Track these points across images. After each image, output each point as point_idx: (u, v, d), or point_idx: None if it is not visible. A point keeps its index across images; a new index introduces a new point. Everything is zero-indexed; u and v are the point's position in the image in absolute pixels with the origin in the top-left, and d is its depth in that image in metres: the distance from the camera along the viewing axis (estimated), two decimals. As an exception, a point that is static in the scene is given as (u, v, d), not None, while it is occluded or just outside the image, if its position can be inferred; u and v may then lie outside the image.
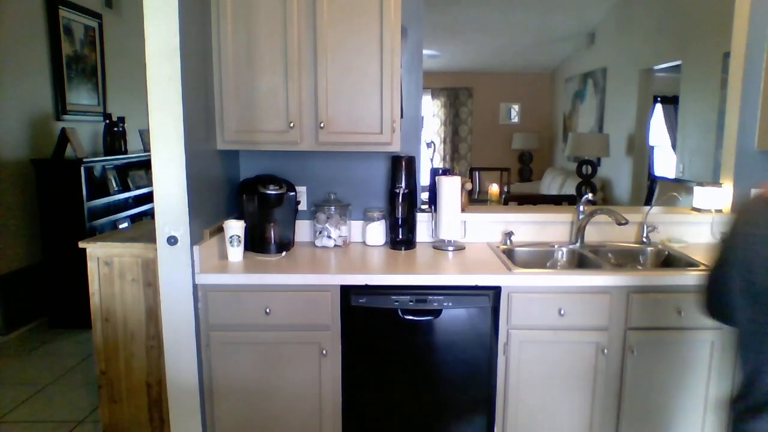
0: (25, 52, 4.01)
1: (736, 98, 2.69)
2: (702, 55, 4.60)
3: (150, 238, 2.33)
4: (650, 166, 6.33)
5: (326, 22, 2.23)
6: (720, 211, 2.71)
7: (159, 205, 2.02)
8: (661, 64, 5.31)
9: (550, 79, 8.95)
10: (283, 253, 2.41)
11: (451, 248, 2.50)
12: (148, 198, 4.84)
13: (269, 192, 2.38)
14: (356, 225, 2.66)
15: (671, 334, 2.15)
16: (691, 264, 2.28)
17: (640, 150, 5.78)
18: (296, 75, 2.26)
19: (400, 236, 2.54)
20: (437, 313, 2.13)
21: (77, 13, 4.52)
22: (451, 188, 2.46)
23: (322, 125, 2.30)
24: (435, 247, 2.55)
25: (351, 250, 2.51)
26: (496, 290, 2.12)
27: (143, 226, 2.78)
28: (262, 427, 2.20)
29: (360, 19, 2.24)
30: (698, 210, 2.73)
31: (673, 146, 6.17)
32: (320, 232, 2.53)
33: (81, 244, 2.35)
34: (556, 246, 2.58)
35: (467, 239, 2.66)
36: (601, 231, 2.66)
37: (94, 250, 2.34)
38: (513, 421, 2.20)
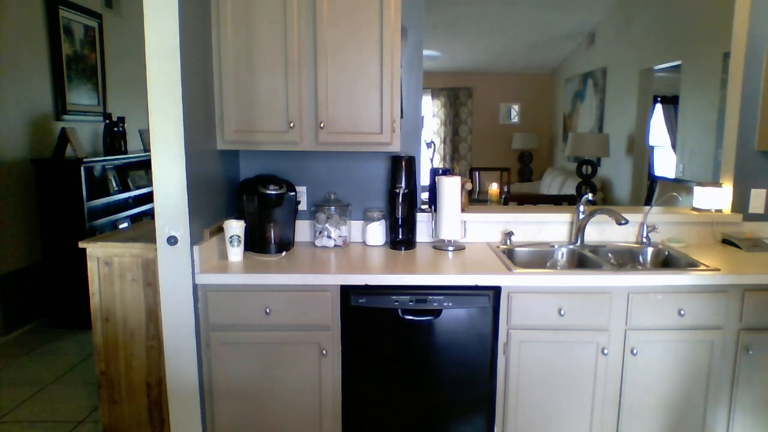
0: (25, 52, 4.01)
1: (736, 98, 2.69)
2: (702, 55, 4.60)
3: (150, 238, 2.33)
4: (650, 166, 6.33)
5: (326, 22, 2.23)
6: (720, 211, 2.71)
7: (159, 205, 2.02)
8: (661, 64, 5.31)
9: (550, 79, 8.95)
10: (283, 253, 2.42)
11: (451, 248, 2.50)
12: (148, 198, 4.84)
13: (269, 192, 2.38)
14: (356, 225, 2.66)
15: (671, 334, 2.15)
16: (691, 264, 2.28)
17: (640, 150, 5.78)
18: (296, 75, 2.26)
19: (400, 236, 2.54)
20: (437, 313, 2.13)
21: (77, 13, 4.52)
22: (451, 188, 2.46)
23: (322, 125, 2.30)
24: (435, 247, 2.55)
25: (351, 250, 2.51)
26: (496, 290, 2.12)
27: (143, 226, 2.78)
28: (262, 427, 2.20)
29: (360, 19, 2.24)
30: (698, 210, 2.73)
31: (673, 146, 6.17)
32: (320, 232, 2.53)
33: (81, 244, 2.35)
34: (556, 246, 2.58)
35: (467, 239, 2.66)
36: (601, 231, 2.67)
37: (94, 250, 2.34)
38: (513, 421, 2.20)
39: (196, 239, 2.10)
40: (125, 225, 4.53)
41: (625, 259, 2.57)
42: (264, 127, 2.30)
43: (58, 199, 3.98)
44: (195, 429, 2.16)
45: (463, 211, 2.59)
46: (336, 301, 2.12)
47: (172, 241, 2.03)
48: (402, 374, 2.18)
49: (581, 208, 2.57)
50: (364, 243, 2.62)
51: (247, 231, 2.36)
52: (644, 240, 2.60)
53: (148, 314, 2.36)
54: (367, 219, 2.60)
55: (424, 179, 2.88)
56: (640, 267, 2.55)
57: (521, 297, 2.12)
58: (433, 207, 2.58)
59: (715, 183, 2.74)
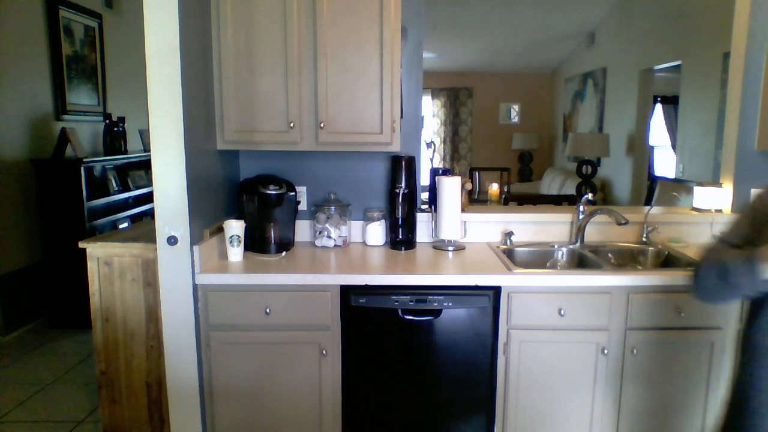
0: (25, 52, 4.01)
1: (736, 98, 2.69)
2: (702, 55, 4.60)
3: (150, 238, 2.33)
4: (650, 166, 6.33)
5: (326, 22, 2.23)
6: (720, 211, 2.71)
7: (159, 205, 2.02)
8: (661, 64, 5.31)
9: (550, 79, 8.95)
10: (283, 253, 2.41)
11: (451, 248, 2.50)
12: (148, 198, 4.84)
13: (269, 192, 2.38)
14: (356, 225, 2.66)
15: (671, 334, 2.15)
16: (691, 264, 2.28)
17: (640, 150, 5.78)
18: (296, 75, 2.26)
19: (400, 236, 2.54)
20: (437, 313, 2.13)
21: (77, 13, 4.52)
22: (451, 188, 2.46)
23: (322, 125, 2.30)
24: (435, 247, 2.55)
25: (351, 250, 2.51)
26: (496, 290, 2.12)
27: (143, 226, 2.78)
28: (262, 427, 2.20)
29: (360, 19, 2.24)
30: (698, 210, 2.73)
31: (673, 146, 6.17)
32: (320, 232, 2.53)
33: (81, 244, 2.35)
34: (556, 246, 2.58)
35: (467, 239, 2.66)
36: (601, 231, 2.66)
37: (94, 250, 2.34)
38: (513, 421, 2.20)
39: (196, 239, 2.10)
40: (125, 225, 4.53)
41: (625, 259, 2.57)
42: (264, 127, 2.30)
43: (58, 199, 3.98)
44: (195, 429, 2.16)
45: (463, 211, 2.59)
46: (336, 301, 2.12)
47: (172, 241, 2.03)
48: (402, 374, 2.18)
49: (581, 208, 2.57)
50: (364, 243, 2.62)
51: (247, 231, 2.36)
52: (644, 240, 2.60)
53: (148, 314, 2.36)
54: (367, 219, 2.60)
55: (424, 179, 2.88)
56: (640, 267, 2.55)
57: (521, 297, 2.12)
58: (433, 207, 2.58)
59: (715, 183, 2.74)
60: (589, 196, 2.61)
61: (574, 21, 6.68)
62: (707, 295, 1.44)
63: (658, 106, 6.74)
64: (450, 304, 2.12)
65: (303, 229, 2.67)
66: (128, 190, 4.70)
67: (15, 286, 3.92)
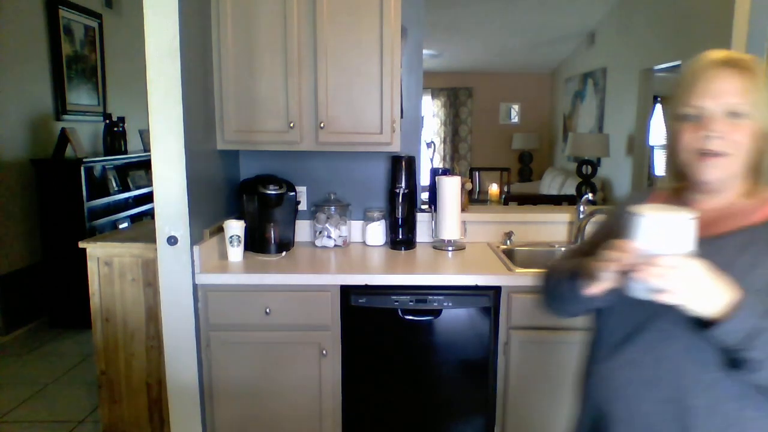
0: (25, 52, 4.01)
1: (736, 98, 2.68)
2: (702, 55, 4.59)
3: (150, 238, 2.33)
4: (650, 166, 6.33)
5: (326, 22, 2.23)
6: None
7: (159, 205, 2.02)
8: (661, 64, 5.31)
9: (550, 79, 8.95)
10: (283, 253, 2.41)
11: (451, 248, 2.50)
12: (148, 198, 4.83)
13: (269, 192, 2.38)
14: (356, 225, 2.66)
15: (671, 334, 2.14)
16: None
17: (640, 150, 5.78)
18: (296, 75, 2.26)
19: (400, 236, 2.54)
20: (437, 313, 2.13)
21: (77, 13, 4.52)
22: (451, 188, 2.46)
23: (322, 125, 2.30)
24: (435, 247, 2.55)
25: (351, 250, 2.51)
26: (496, 290, 2.12)
27: (143, 226, 2.78)
28: (262, 427, 2.20)
29: (360, 19, 2.24)
30: (698, 210, 2.72)
31: (673, 146, 6.16)
32: (320, 232, 2.53)
33: (81, 244, 2.35)
34: (556, 246, 2.58)
35: (467, 239, 2.66)
36: (601, 231, 2.66)
37: (94, 250, 2.34)
38: (513, 421, 2.20)
39: (196, 239, 2.10)
40: (125, 225, 4.53)
41: (625, 259, 2.57)
42: (264, 127, 2.30)
43: (58, 199, 3.98)
44: (195, 429, 2.16)
45: (463, 211, 2.59)
46: (336, 301, 2.12)
47: (172, 241, 2.03)
48: (402, 374, 2.18)
49: (581, 208, 2.57)
50: (364, 243, 2.62)
51: (247, 231, 2.36)
52: (644, 240, 2.59)
53: (148, 314, 2.36)
54: (367, 219, 2.60)
55: (424, 179, 2.88)
56: (640, 267, 2.54)
57: (521, 297, 2.12)
58: (433, 207, 2.58)
59: (715, 183, 2.73)
60: (589, 196, 2.61)
61: (574, 21, 6.67)
62: (547, 308, 1.23)
63: (658, 106, 6.73)
64: (450, 304, 2.12)
65: (303, 229, 2.67)
66: (128, 190, 4.70)
67: (15, 286, 3.92)
